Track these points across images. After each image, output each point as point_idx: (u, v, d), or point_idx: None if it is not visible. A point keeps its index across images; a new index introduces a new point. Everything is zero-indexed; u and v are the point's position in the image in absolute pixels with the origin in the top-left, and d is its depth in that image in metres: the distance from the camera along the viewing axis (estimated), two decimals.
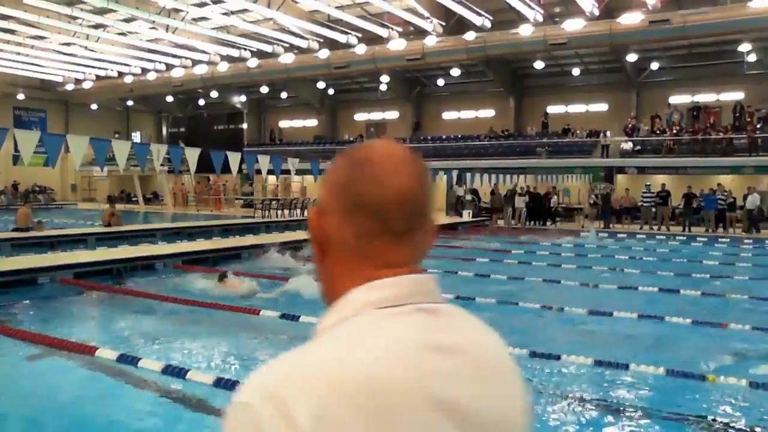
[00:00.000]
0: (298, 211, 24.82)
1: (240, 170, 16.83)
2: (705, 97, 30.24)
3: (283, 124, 43.31)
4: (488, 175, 23.73)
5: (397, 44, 29.04)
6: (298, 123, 42.50)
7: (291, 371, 0.76)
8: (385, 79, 34.17)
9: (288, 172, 16.93)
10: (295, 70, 33.20)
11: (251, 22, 29.16)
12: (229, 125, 43.22)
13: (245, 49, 32.08)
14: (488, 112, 35.76)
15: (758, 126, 26.69)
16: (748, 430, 4.45)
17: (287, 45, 31.15)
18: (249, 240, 14.87)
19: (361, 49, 29.85)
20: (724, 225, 21.50)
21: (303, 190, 32.31)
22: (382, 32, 28.40)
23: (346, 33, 29.03)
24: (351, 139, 38.29)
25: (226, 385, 4.68)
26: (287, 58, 31.97)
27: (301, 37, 30.14)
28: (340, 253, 0.85)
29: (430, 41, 28.47)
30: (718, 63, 29.41)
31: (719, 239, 18.85)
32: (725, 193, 21.73)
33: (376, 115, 39.71)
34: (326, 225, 0.86)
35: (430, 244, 0.90)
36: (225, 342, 6.55)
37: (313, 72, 33.73)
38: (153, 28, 29.13)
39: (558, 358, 5.77)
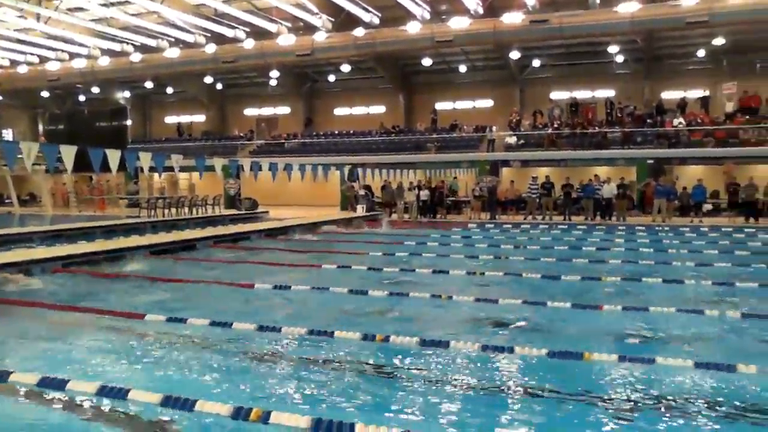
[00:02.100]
0: (187, 209, 24.07)
1: (124, 168, 16.10)
2: (582, 94, 32.06)
3: (170, 119, 41.79)
4: (380, 170, 24.00)
5: (287, 39, 28.81)
6: (185, 118, 41.12)
7: None
8: (274, 74, 33.79)
9: (172, 169, 16.34)
10: (181, 64, 32.17)
11: (133, 14, 27.95)
12: (112, 122, 41.06)
13: (127, 43, 30.71)
14: (379, 108, 36.16)
15: (628, 121, 28.68)
16: (619, 401, 4.77)
17: (172, 39, 30.11)
18: (134, 241, 14.25)
19: (249, 44, 29.37)
20: (602, 214, 22.88)
21: (191, 188, 31.34)
22: (271, 27, 28.08)
23: (234, 27, 28.45)
24: (241, 134, 37.57)
25: (110, 393, 4.49)
26: (173, 53, 30.92)
27: (187, 31, 29.24)
28: None
29: (320, 37, 28.43)
30: (592, 62, 31.32)
31: (597, 227, 20.06)
32: (602, 184, 23.14)
33: (267, 111, 39.18)
34: None
35: None
36: (108, 348, 6.27)
37: (200, 67, 32.82)
38: (21, 16, 27.25)
39: (447, 345, 5.96)
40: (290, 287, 9.11)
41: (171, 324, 6.92)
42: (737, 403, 4.67)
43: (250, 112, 39.66)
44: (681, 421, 4.35)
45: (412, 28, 26.72)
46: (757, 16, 23.78)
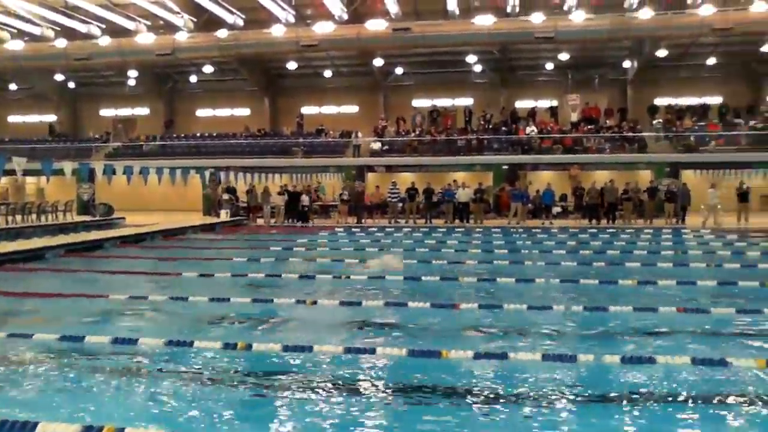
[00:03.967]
0: (34, 216, 22.32)
1: None
2: (443, 102, 33.36)
3: (14, 119, 38.58)
4: (244, 174, 23.60)
5: (146, 38, 27.63)
6: (32, 118, 38.13)
7: None
8: (133, 73, 32.25)
9: (14, 172, 15.12)
10: (27, 59, 29.82)
11: None
12: None
13: None
14: (244, 111, 35.57)
15: (486, 128, 30.22)
16: (476, 396, 5.03)
17: (15, 30, 27.84)
18: None
19: (105, 41, 27.81)
20: (460, 217, 23.89)
21: (40, 193, 29.12)
22: (129, 24, 26.78)
23: (87, 23, 26.83)
24: (96, 136, 35.45)
25: None
26: (15, 45, 28.56)
27: (32, 22, 27.18)
28: None
29: (181, 37, 27.51)
30: (452, 71, 32.64)
31: (456, 230, 20.91)
32: (457, 188, 24.17)
33: (125, 111, 37.31)
34: None
35: None
36: None
37: (49, 62, 30.59)
38: None
39: (310, 350, 6.00)
40: (147, 297, 8.74)
41: (15, 340, 6.42)
42: (578, 390, 5.09)
43: (106, 112, 37.54)
44: (532, 411, 4.67)
45: (277, 31, 26.53)
46: (594, 36, 26.15)
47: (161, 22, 27.34)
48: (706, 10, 23.81)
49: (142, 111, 37.01)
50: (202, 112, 36.38)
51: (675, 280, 10.11)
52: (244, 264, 12.69)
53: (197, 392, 5.05)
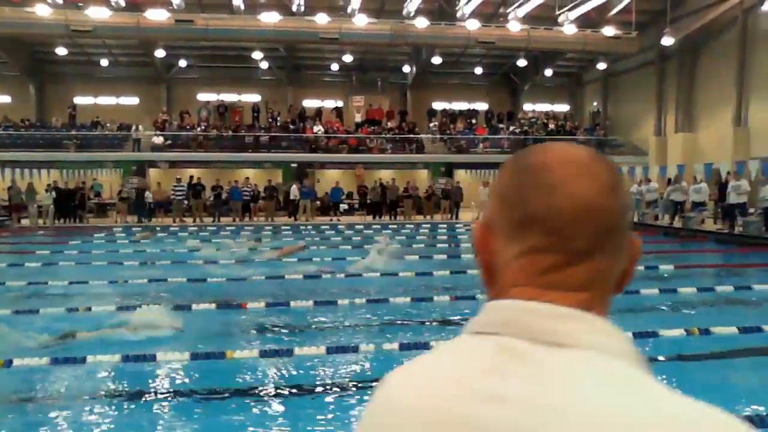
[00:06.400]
0: None
1: None
2: (229, 97, 32.74)
3: None
4: (2, 169, 21.13)
5: None
6: None
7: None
8: None
9: None
10: None
11: None
12: None
13: None
14: (4, 99, 31.72)
15: (274, 126, 30.26)
16: (262, 393, 5.09)
17: None
18: None
19: None
20: (249, 214, 23.70)
21: None
22: None
23: None
24: None
25: None
26: None
27: None
28: (505, 272, 0.73)
29: None
30: (239, 66, 32.16)
31: (245, 227, 20.71)
32: (250, 186, 24.00)
33: None
34: (492, 242, 0.75)
35: (627, 272, 0.74)
36: None
37: None
38: None
39: (84, 360, 5.61)
40: None
41: None
42: (361, 378, 5.37)
43: None
44: (314, 401, 4.83)
45: (42, 11, 24.06)
46: (376, 40, 27.37)
47: None
48: (472, 25, 26.14)
49: None
50: None
51: (449, 270, 11.01)
52: (4, 270, 11.41)
53: None
